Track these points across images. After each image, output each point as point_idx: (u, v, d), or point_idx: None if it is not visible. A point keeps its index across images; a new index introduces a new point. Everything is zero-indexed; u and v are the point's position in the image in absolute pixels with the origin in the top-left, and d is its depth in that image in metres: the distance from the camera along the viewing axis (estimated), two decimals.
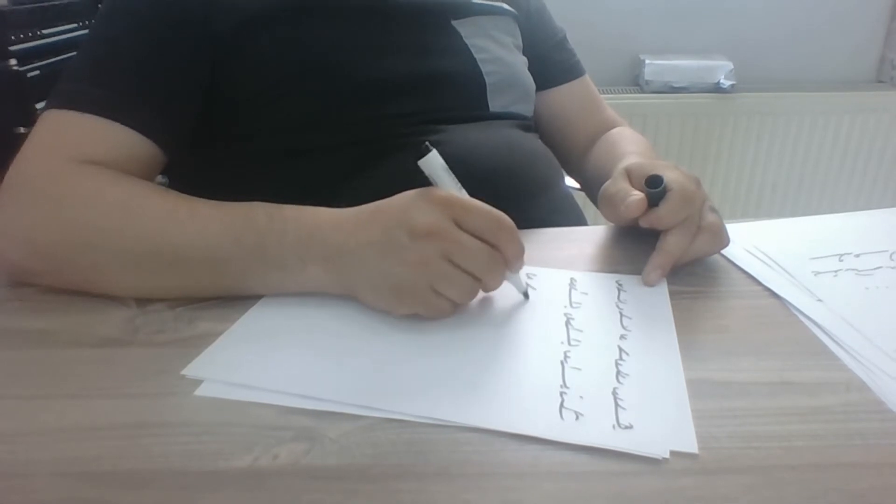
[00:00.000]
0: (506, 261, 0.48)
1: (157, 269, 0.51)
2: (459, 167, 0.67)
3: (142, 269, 0.52)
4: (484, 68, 0.74)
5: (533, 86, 0.83)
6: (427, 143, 0.49)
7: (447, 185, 0.49)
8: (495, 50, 0.77)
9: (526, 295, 0.52)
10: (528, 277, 0.56)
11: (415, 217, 0.46)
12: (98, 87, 0.60)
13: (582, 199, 0.83)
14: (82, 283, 0.53)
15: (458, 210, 0.47)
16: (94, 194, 0.53)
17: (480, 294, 0.50)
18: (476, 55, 0.74)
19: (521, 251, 0.49)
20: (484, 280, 0.48)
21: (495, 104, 0.75)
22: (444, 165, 0.49)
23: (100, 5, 0.67)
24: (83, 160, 0.56)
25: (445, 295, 0.47)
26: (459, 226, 0.47)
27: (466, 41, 0.75)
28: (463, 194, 0.50)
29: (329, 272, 0.50)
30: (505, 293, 0.52)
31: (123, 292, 0.52)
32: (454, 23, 0.75)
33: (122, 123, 0.59)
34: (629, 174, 0.60)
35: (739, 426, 0.39)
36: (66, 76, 0.61)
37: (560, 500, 0.34)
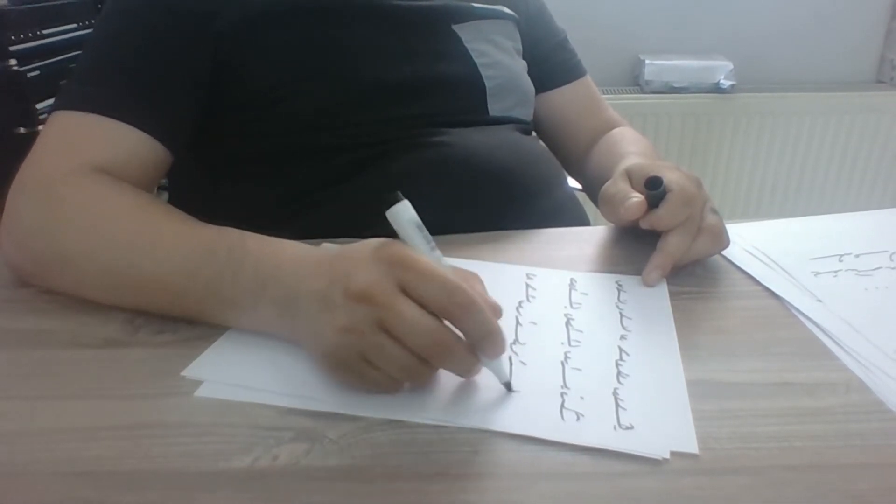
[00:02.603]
0: (470, 344, 0.40)
1: (125, 293, 0.51)
2: (462, 169, 0.68)
3: (112, 291, 0.52)
4: (484, 73, 0.74)
5: (532, 90, 0.83)
6: (398, 192, 0.40)
7: (413, 241, 0.41)
8: (495, 54, 0.77)
9: (508, 387, 0.42)
10: (528, 278, 0.56)
11: (355, 274, 0.40)
12: (101, 86, 0.61)
13: (582, 198, 0.83)
14: (68, 290, 0.53)
15: (406, 272, 0.39)
16: (78, 212, 0.54)
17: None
18: (476, 60, 0.74)
19: (489, 333, 0.39)
20: (432, 361, 0.40)
21: (495, 108, 0.75)
22: (414, 219, 0.41)
23: (100, 5, 0.67)
24: (87, 164, 0.56)
25: (381, 369, 0.40)
26: (407, 292, 0.39)
27: (467, 45, 0.75)
28: (436, 256, 0.41)
29: (279, 317, 0.45)
30: (505, 297, 0.53)
31: (108, 303, 0.52)
32: (455, 27, 0.75)
33: (126, 122, 0.59)
34: (629, 175, 0.60)
35: (739, 427, 0.39)
36: (72, 77, 0.62)
37: (560, 501, 0.34)
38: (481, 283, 0.43)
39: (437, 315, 0.39)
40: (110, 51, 0.64)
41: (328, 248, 0.46)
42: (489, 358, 0.41)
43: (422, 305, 0.38)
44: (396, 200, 0.40)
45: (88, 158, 0.57)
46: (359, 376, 0.41)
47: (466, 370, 0.41)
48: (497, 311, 0.41)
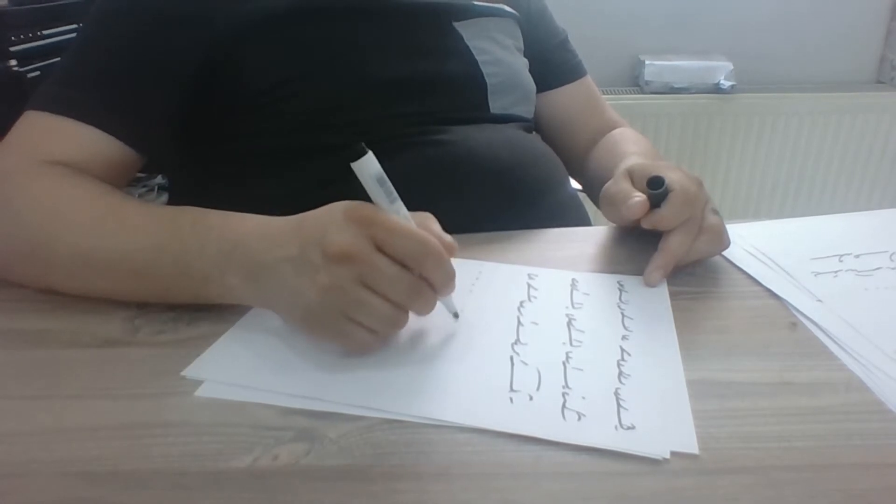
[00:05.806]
0: (433, 288, 0.44)
1: (92, 277, 0.52)
2: (463, 167, 0.68)
3: (79, 276, 0.52)
4: (485, 70, 0.74)
5: (534, 88, 0.83)
6: (363, 143, 0.42)
7: (377, 196, 0.43)
8: (496, 52, 0.77)
9: (455, 315, 0.48)
10: (530, 278, 0.56)
11: (330, 236, 0.42)
12: (71, 89, 0.61)
13: (583, 198, 0.83)
14: (34, 281, 0.53)
15: (378, 231, 0.42)
16: (35, 199, 0.54)
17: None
18: (477, 57, 0.74)
19: (450, 277, 0.45)
20: (408, 308, 0.44)
21: (496, 106, 0.75)
22: (377, 173, 0.43)
23: None
24: (47, 159, 0.56)
25: (363, 324, 0.43)
26: (381, 249, 0.42)
27: (468, 43, 0.75)
28: (396, 208, 0.44)
29: (248, 286, 0.47)
30: (507, 297, 0.52)
31: (73, 292, 0.52)
32: (456, 24, 0.75)
33: (90, 125, 0.59)
34: (631, 175, 0.60)
35: (739, 426, 0.39)
36: (48, 79, 0.62)
37: (561, 501, 0.34)
38: (436, 221, 0.46)
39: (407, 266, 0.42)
40: (83, 54, 0.64)
41: (288, 217, 0.47)
42: (445, 296, 0.46)
43: (397, 260, 0.42)
44: (363, 152, 0.42)
45: (49, 154, 0.57)
46: (340, 334, 0.43)
47: (429, 309, 0.45)
48: (453, 249, 0.45)
